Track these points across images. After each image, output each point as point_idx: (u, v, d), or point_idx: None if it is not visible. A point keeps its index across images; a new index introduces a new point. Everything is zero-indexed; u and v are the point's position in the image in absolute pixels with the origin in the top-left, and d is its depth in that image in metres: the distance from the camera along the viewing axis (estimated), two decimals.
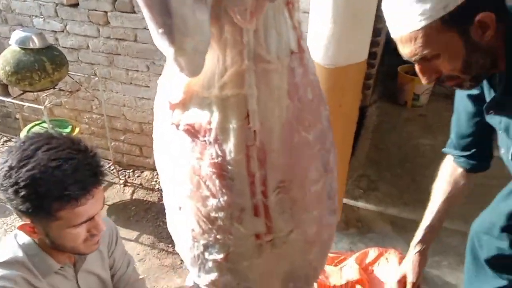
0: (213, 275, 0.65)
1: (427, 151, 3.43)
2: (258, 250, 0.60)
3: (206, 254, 0.63)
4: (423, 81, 1.07)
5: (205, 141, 0.55)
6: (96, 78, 2.78)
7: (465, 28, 0.93)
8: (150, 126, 2.95)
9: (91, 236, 1.08)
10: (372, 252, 2.21)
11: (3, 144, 3.50)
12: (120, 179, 3.14)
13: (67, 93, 2.74)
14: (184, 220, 0.63)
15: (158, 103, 0.62)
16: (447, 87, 4.80)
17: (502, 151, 1.20)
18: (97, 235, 1.10)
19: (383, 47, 4.15)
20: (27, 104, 2.40)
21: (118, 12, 2.63)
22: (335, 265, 2.18)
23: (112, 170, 3.17)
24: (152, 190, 3.06)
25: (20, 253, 1.09)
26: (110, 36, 2.74)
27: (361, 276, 2.04)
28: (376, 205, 2.79)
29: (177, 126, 0.57)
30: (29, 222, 1.03)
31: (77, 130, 2.76)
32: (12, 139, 3.50)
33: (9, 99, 2.51)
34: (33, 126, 2.75)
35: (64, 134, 1.10)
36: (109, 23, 2.69)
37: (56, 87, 2.50)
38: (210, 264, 0.64)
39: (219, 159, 0.55)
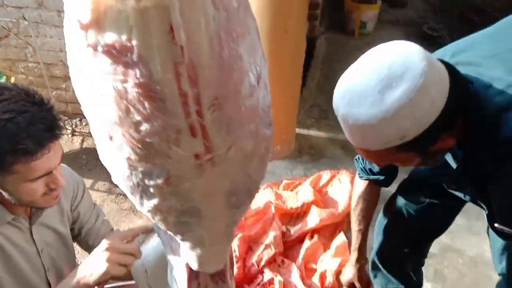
0: (156, 200, 0.63)
1: None
2: (199, 170, 0.59)
3: (146, 180, 0.61)
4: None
5: (127, 61, 0.50)
6: (26, 23, 2.58)
7: (423, 150, 0.92)
8: None
9: (49, 190, 1.05)
10: (325, 175, 2.28)
11: None
12: (67, 129, 3.02)
13: None
14: (117, 149, 0.60)
15: (67, 23, 0.56)
16: (393, 14, 4.78)
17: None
18: (56, 189, 1.06)
19: None
20: None
21: None
22: (291, 190, 2.24)
23: None
24: None
25: None
26: None
27: (316, 197, 2.11)
28: (328, 132, 2.85)
29: (94, 48, 0.51)
30: None
31: (12, 80, 2.59)
32: None
33: None
34: None
35: (19, 85, 1.01)
36: None
37: None
38: (151, 190, 0.62)
39: (145, 78, 0.50)
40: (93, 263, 1.00)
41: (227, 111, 0.55)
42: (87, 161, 2.83)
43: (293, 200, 2.14)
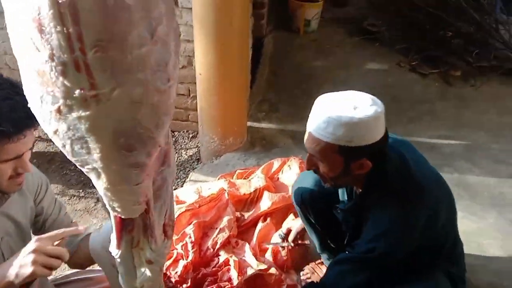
0: (53, 126, 0.74)
1: (320, 72, 3.66)
2: (84, 104, 0.69)
3: (44, 106, 0.71)
4: (305, 166, 1.37)
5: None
6: None
7: (350, 161, 1.24)
8: None
9: (16, 175, 1.10)
10: (276, 163, 2.39)
11: None
12: None
13: None
14: (26, 76, 0.72)
15: None
16: (334, 12, 4.99)
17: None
18: (22, 175, 1.12)
19: None
20: None
21: None
22: (245, 178, 2.33)
23: None
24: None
25: None
26: None
27: (267, 183, 2.21)
28: (278, 124, 2.97)
29: None
30: None
31: None
32: None
33: None
34: None
35: (5, 76, 1.08)
36: None
37: None
38: (48, 115, 0.73)
39: (37, 13, 0.61)
40: (19, 265, 1.03)
41: (111, 55, 0.64)
42: (39, 165, 2.80)
43: (246, 187, 2.23)
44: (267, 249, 1.94)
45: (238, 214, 2.12)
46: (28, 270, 1.01)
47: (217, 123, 2.55)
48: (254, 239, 1.98)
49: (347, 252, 1.40)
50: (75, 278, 1.66)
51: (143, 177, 0.86)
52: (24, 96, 1.04)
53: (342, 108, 1.20)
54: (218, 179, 2.36)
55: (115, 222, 0.99)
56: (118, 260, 1.09)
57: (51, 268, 1.04)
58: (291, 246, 1.88)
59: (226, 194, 2.10)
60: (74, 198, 2.65)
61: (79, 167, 0.82)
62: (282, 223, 2.09)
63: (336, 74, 3.62)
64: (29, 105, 1.05)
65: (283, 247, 1.90)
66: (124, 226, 1.00)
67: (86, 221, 2.53)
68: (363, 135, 1.19)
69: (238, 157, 2.67)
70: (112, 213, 0.97)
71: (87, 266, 1.44)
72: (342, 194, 1.56)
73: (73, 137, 0.73)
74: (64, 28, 0.59)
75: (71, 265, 1.39)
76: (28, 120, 1.04)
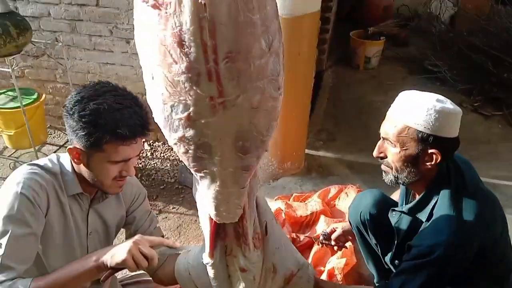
0: (180, 133, 0.80)
1: (379, 106, 3.69)
2: (212, 110, 0.76)
3: (173, 114, 0.79)
4: (374, 152, 1.40)
5: (167, 13, 0.70)
6: (60, 44, 2.81)
7: (423, 150, 1.28)
8: None
9: (120, 177, 1.24)
10: (333, 189, 2.43)
11: None
12: None
13: (32, 58, 2.76)
14: (156, 86, 0.80)
15: None
16: (395, 51, 5.06)
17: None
18: (124, 178, 1.26)
19: (335, 14, 4.37)
20: None
21: None
22: (301, 201, 2.38)
23: None
24: None
25: (57, 167, 1.25)
26: (72, 2, 2.78)
27: (324, 208, 2.25)
28: (335, 153, 3.01)
29: (146, 2, 0.73)
30: (78, 147, 1.17)
31: (43, 97, 2.80)
32: None
33: None
34: None
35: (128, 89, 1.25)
36: None
37: (20, 52, 2.53)
38: (176, 123, 0.80)
39: (178, 29, 0.68)
40: (118, 249, 1.15)
41: (238, 65, 0.73)
42: None
43: (303, 209, 2.28)
44: (323, 271, 1.96)
45: (294, 235, 2.16)
46: (122, 255, 1.11)
47: (277, 146, 2.63)
48: (309, 261, 2.01)
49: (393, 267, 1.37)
50: (140, 279, 1.75)
51: (248, 180, 0.94)
52: (142, 107, 1.22)
53: (427, 98, 1.27)
54: (275, 200, 2.42)
55: (209, 230, 1.06)
56: (212, 270, 1.16)
57: (138, 265, 1.12)
58: (331, 245, 1.87)
59: (283, 214, 2.16)
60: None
61: (193, 172, 0.90)
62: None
63: None
64: (144, 116, 1.20)
65: (322, 244, 1.90)
66: (218, 233, 1.07)
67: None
68: (444, 126, 1.24)
69: (295, 181, 2.73)
70: (206, 222, 1.03)
71: (167, 284, 1.49)
72: (401, 202, 1.56)
73: (198, 142, 0.82)
74: (202, 42, 0.70)
75: (154, 277, 1.45)
76: (142, 129, 1.19)
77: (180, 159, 0.91)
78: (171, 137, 0.85)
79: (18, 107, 2.56)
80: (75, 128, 1.15)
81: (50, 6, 2.83)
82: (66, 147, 3.09)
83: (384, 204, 1.66)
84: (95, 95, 1.15)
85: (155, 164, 3.02)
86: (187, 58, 0.72)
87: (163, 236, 1.57)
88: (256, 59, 0.75)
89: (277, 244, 1.23)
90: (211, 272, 1.16)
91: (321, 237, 1.88)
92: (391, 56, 4.67)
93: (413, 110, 1.25)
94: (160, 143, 3.19)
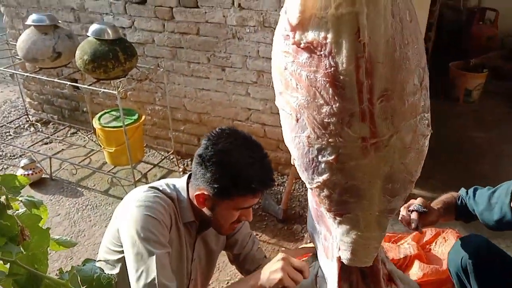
0: (325, 176, 0.76)
1: (480, 143, 3.41)
2: (363, 152, 0.71)
3: (320, 157, 0.74)
4: None
5: (321, 54, 0.66)
6: (161, 70, 2.97)
7: None
8: (208, 116, 3.12)
9: (238, 221, 1.30)
10: (429, 232, 2.25)
11: (70, 136, 3.77)
12: (179, 167, 3.31)
13: (136, 81, 2.95)
14: (300, 128, 0.75)
15: (276, 34, 0.75)
16: (497, 85, 4.72)
17: None
18: (240, 223, 1.33)
19: (433, 43, 4.17)
20: (102, 89, 2.61)
21: (182, 7, 2.83)
22: (393, 243, 2.23)
23: (172, 159, 3.35)
24: None
25: (174, 194, 1.31)
26: (174, 30, 2.94)
27: (419, 252, 2.08)
28: (431, 192, 2.81)
29: (298, 45, 0.69)
30: (206, 193, 1.23)
31: (143, 118, 2.96)
32: (79, 131, 3.77)
33: (85, 86, 2.74)
34: (103, 114, 2.97)
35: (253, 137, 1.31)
36: (174, 18, 2.89)
37: (126, 76, 2.70)
38: (322, 165, 0.76)
39: (332, 69, 0.65)
40: (269, 271, 1.13)
41: (393, 104, 0.67)
42: None
43: (395, 252, 2.12)
44: None
45: None
46: (278, 275, 1.09)
47: None
48: None
49: None
50: None
51: (389, 223, 0.87)
52: (267, 158, 1.24)
53: None
54: None
55: (337, 272, 1.00)
56: None
57: (295, 281, 1.09)
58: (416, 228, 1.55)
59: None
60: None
61: (332, 216, 0.85)
62: None
63: (499, 147, 3.33)
64: (271, 169, 1.23)
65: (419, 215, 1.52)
66: (343, 275, 1.00)
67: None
68: None
69: None
70: (333, 264, 0.97)
71: None
72: None
73: (345, 186, 0.78)
74: (358, 81, 0.66)
75: None
76: (271, 182, 1.23)
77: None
78: (314, 180, 0.81)
79: (120, 126, 2.73)
80: (208, 178, 1.20)
81: (154, 33, 3.02)
82: (160, 166, 3.25)
83: (488, 252, 1.54)
84: (229, 148, 1.20)
85: None
86: (340, 99, 0.68)
87: (265, 257, 1.58)
88: (410, 96, 0.70)
89: None
90: None
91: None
92: (494, 89, 4.34)
93: None
94: None
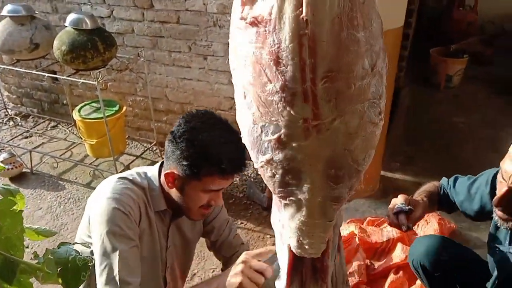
0: (268, 155, 0.76)
1: (461, 128, 3.46)
2: (305, 134, 0.70)
3: (263, 135, 0.74)
4: (496, 201, 1.24)
5: (265, 30, 0.65)
6: (141, 59, 2.93)
7: None
8: (191, 106, 3.10)
9: (207, 206, 1.27)
10: None
11: (50, 129, 3.71)
12: (162, 158, 3.28)
13: (116, 71, 2.90)
14: (247, 106, 0.75)
15: (233, 10, 0.75)
16: (478, 70, 4.77)
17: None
18: (210, 208, 1.29)
19: (414, 30, 4.19)
20: (81, 80, 2.57)
21: None
22: (376, 226, 2.25)
23: (155, 150, 3.33)
24: None
25: (145, 182, 1.29)
26: (154, 19, 2.89)
27: (402, 235, 2.11)
28: (413, 177, 2.84)
29: (245, 19, 0.69)
30: (176, 172, 1.21)
31: (124, 109, 2.92)
32: (59, 124, 3.71)
33: (64, 77, 2.69)
34: (83, 106, 2.93)
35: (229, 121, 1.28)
36: (153, 6, 2.85)
37: (106, 66, 2.66)
38: (265, 145, 0.75)
39: (276, 46, 0.64)
40: (231, 275, 1.13)
41: (337, 85, 0.66)
42: None
43: (378, 235, 2.15)
44: None
45: (367, 261, 2.05)
46: (238, 279, 1.09)
47: None
48: None
49: None
50: None
51: (336, 213, 0.87)
52: (240, 142, 1.21)
53: None
54: (348, 223, 2.32)
55: (287, 261, 0.99)
56: None
57: (256, 283, 1.09)
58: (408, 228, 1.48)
59: (356, 239, 2.05)
60: None
61: (279, 198, 0.84)
62: (415, 278, 1.96)
63: (480, 132, 3.38)
64: (244, 153, 1.18)
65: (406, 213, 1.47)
66: (295, 265, 1.00)
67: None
68: None
69: (368, 204, 2.60)
70: (284, 252, 0.97)
71: None
72: (504, 238, 1.42)
73: (287, 167, 0.76)
74: (301, 60, 0.65)
75: None
76: (242, 166, 1.21)
77: (266, 182, 0.86)
78: (259, 160, 0.80)
79: (101, 118, 2.69)
80: (177, 156, 1.18)
81: (134, 23, 2.97)
82: (142, 157, 3.22)
83: (441, 252, 1.59)
84: (203, 127, 1.19)
85: None
86: (282, 77, 0.67)
87: (243, 243, 1.58)
88: (358, 80, 0.68)
89: None
90: None
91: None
92: (474, 75, 4.39)
93: None
94: None
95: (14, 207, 0.66)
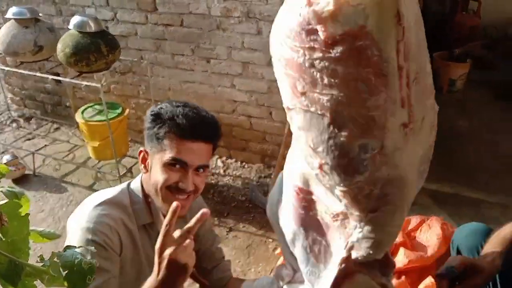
0: (367, 173, 0.70)
1: (463, 132, 3.45)
2: (404, 139, 0.69)
3: (362, 154, 0.69)
4: None
5: (360, 45, 0.62)
6: (144, 62, 2.94)
7: None
8: None
9: (176, 190, 1.16)
10: (414, 220, 2.27)
11: (53, 131, 3.72)
12: None
13: (119, 74, 2.91)
14: (337, 128, 0.69)
15: (284, 30, 0.70)
16: (480, 74, 4.76)
17: None
18: (182, 193, 1.17)
19: None
20: (84, 83, 2.57)
21: None
22: None
23: None
24: None
25: (126, 199, 1.23)
26: (158, 22, 2.90)
27: (404, 239, 2.10)
28: None
29: (333, 38, 0.63)
30: (146, 151, 1.23)
31: (127, 111, 2.92)
32: (62, 126, 3.71)
33: (67, 79, 2.69)
34: (86, 108, 2.93)
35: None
36: (157, 9, 2.85)
37: (109, 69, 2.67)
38: (365, 163, 0.69)
39: (376, 58, 0.62)
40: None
41: (421, 85, 0.67)
42: None
43: None
44: None
45: None
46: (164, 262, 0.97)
47: None
48: None
49: None
50: None
51: None
52: (214, 118, 1.22)
53: None
54: None
55: (335, 273, 0.87)
56: None
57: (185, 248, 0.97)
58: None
59: None
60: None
61: (363, 214, 0.76)
62: (417, 283, 1.95)
63: (482, 136, 3.38)
64: (212, 123, 1.20)
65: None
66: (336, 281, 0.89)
67: None
68: None
69: None
70: (331, 266, 0.90)
71: None
72: None
73: (387, 177, 0.71)
74: (399, 66, 0.63)
75: None
76: (205, 133, 1.17)
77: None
78: (354, 181, 0.72)
79: (104, 120, 2.69)
80: (145, 133, 1.21)
81: (137, 25, 2.98)
82: None
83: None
84: (171, 104, 1.21)
85: (227, 182, 3.03)
86: (383, 88, 0.64)
87: (224, 258, 1.52)
88: (430, 75, 0.70)
89: None
90: None
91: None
92: (477, 79, 4.38)
93: None
94: (232, 160, 3.20)
95: (20, 210, 0.67)
